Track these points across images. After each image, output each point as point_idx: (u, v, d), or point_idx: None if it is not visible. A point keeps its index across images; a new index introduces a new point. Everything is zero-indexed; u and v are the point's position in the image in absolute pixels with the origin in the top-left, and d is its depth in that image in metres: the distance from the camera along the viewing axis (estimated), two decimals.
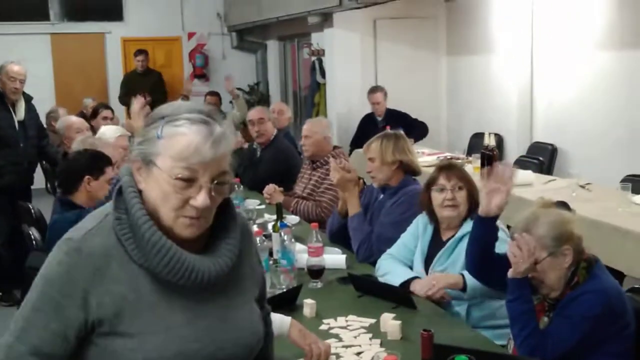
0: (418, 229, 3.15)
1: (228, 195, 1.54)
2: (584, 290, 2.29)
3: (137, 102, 3.47)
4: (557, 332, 2.27)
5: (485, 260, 2.59)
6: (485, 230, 2.57)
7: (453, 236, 2.99)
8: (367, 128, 7.05)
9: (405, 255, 3.15)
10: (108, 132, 4.39)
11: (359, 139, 6.58)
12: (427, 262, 3.04)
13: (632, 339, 2.32)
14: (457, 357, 1.74)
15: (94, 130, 5.61)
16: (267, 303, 1.83)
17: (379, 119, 7.35)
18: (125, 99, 9.16)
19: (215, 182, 1.45)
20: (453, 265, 2.93)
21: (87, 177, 3.36)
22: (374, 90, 7.48)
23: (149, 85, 9.29)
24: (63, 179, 3.46)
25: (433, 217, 3.07)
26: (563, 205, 2.47)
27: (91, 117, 6.72)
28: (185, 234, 1.46)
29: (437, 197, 3.00)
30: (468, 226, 2.88)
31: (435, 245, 3.05)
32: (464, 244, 2.84)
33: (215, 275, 1.48)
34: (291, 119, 7.12)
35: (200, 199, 1.43)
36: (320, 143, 4.64)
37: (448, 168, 3.07)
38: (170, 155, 1.43)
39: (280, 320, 2.27)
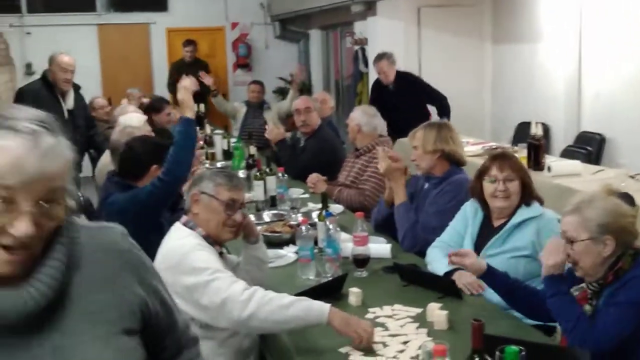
0: (467, 214, 3.15)
1: (65, 217, 1.23)
2: (632, 276, 2.26)
3: (188, 78, 3.47)
4: (606, 320, 2.24)
5: (520, 299, 2.64)
6: (492, 280, 2.66)
7: (505, 223, 2.98)
8: (377, 94, 6.87)
9: (456, 241, 3.13)
10: (135, 119, 4.38)
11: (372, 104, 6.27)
12: (477, 246, 3.02)
13: None
14: (508, 347, 1.72)
15: (153, 124, 5.43)
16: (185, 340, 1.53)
17: (390, 87, 6.89)
18: (173, 87, 9.24)
19: (42, 203, 1.16)
20: (505, 253, 2.92)
21: (154, 165, 3.38)
22: (378, 58, 6.84)
23: (196, 75, 9.38)
24: (130, 167, 3.45)
25: (484, 206, 3.06)
26: (626, 197, 2.42)
27: (152, 111, 6.57)
28: (2, 270, 1.16)
29: (488, 187, 2.99)
30: (522, 213, 2.94)
31: (486, 230, 3.04)
32: (518, 232, 2.92)
33: (22, 311, 1.17)
34: (334, 109, 7.09)
35: (20, 227, 1.14)
36: (354, 130, 4.62)
37: (501, 158, 3.03)
38: None
39: (319, 309, 2.29)
